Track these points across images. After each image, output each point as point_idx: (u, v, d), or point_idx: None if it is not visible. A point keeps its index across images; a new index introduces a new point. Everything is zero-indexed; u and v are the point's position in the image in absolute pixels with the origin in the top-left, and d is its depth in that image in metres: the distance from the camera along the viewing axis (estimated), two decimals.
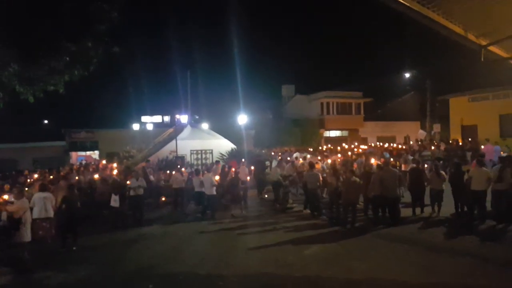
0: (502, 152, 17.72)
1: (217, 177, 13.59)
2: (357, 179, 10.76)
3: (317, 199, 12.40)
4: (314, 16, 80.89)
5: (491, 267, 7.13)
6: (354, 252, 8.34)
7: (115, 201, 11.43)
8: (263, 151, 22.53)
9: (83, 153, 34.89)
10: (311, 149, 25.04)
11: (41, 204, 9.16)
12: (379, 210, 10.88)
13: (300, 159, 16.91)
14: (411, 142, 23.50)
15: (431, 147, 21.08)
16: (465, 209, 10.81)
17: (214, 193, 12.68)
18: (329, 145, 28.47)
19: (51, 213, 9.37)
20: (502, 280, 6.48)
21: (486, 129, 24.92)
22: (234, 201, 13.03)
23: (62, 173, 15.45)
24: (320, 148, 27.67)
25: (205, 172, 13.85)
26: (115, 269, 8.03)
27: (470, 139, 24.45)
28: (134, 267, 8.05)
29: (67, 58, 9.14)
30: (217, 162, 16.36)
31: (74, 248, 9.48)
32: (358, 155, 19.07)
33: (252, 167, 16.39)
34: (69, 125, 34.45)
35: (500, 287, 6.22)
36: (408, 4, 5.27)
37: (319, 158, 18.10)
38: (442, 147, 21.28)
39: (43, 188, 9.62)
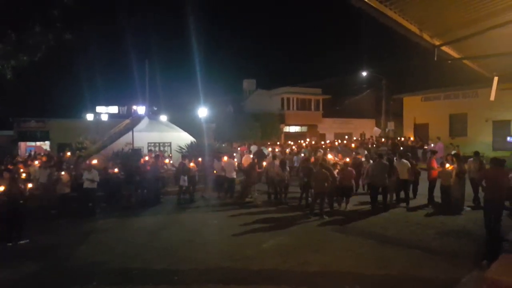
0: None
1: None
2: (326, 172, 11.23)
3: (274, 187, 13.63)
4: (275, 12, 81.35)
5: (439, 259, 7.45)
6: (310, 245, 8.46)
7: (184, 180, 13.40)
8: (223, 145, 22.36)
9: (32, 143, 33.10)
10: (278, 143, 25.69)
11: None
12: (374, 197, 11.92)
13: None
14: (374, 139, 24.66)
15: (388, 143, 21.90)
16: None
17: (235, 176, 14.01)
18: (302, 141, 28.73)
19: None
20: (449, 272, 6.77)
21: (437, 128, 26.16)
22: (250, 182, 14.18)
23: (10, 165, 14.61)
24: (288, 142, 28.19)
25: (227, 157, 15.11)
26: (64, 265, 7.65)
27: (412, 138, 25.67)
28: (85, 262, 7.72)
29: (13, 41, 8.55)
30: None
31: (22, 242, 8.97)
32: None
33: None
34: (18, 113, 32.48)
35: (447, 279, 6.50)
36: (366, 1, 5.34)
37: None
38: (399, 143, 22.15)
39: None
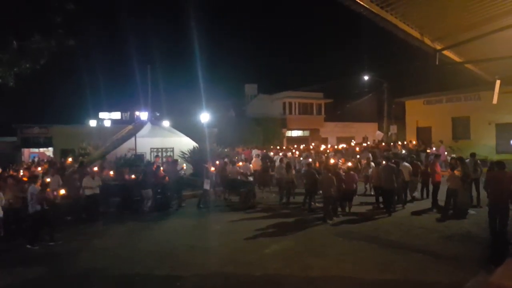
0: (445, 153, 19.35)
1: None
2: (332, 176, 11.35)
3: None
4: (276, 17, 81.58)
5: (443, 263, 7.42)
6: (312, 250, 8.44)
7: (207, 184, 13.64)
8: (226, 149, 22.37)
9: (36, 150, 33.20)
10: (284, 147, 26.13)
11: None
12: (378, 198, 12.57)
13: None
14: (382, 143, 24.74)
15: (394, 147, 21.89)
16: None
17: (251, 179, 14.62)
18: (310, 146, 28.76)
19: (0, 213, 8.87)
20: (453, 276, 6.74)
21: (440, 131, 26.08)
22: (264, 185, 15.43)
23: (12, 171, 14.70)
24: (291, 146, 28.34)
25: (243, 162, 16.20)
26: (66, 270, 7.66)
27: (415, 141, 25.60)
28: (88, 268, 7.72)
29: (14, 49, 8.59)
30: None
31: (28, 246, 9.01)
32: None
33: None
34: (21, 120, 32.58)
35: (451, 283, 6.46)
36: (367, 6, 5.35)
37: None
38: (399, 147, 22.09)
39: None
